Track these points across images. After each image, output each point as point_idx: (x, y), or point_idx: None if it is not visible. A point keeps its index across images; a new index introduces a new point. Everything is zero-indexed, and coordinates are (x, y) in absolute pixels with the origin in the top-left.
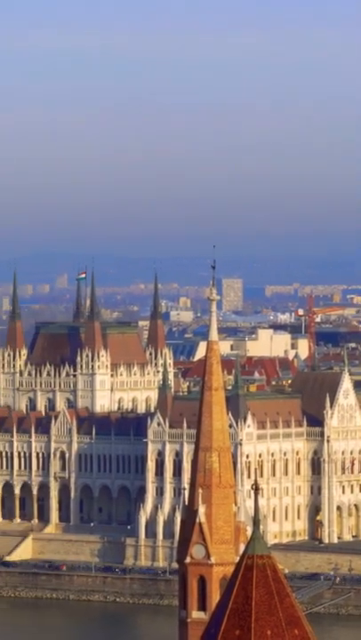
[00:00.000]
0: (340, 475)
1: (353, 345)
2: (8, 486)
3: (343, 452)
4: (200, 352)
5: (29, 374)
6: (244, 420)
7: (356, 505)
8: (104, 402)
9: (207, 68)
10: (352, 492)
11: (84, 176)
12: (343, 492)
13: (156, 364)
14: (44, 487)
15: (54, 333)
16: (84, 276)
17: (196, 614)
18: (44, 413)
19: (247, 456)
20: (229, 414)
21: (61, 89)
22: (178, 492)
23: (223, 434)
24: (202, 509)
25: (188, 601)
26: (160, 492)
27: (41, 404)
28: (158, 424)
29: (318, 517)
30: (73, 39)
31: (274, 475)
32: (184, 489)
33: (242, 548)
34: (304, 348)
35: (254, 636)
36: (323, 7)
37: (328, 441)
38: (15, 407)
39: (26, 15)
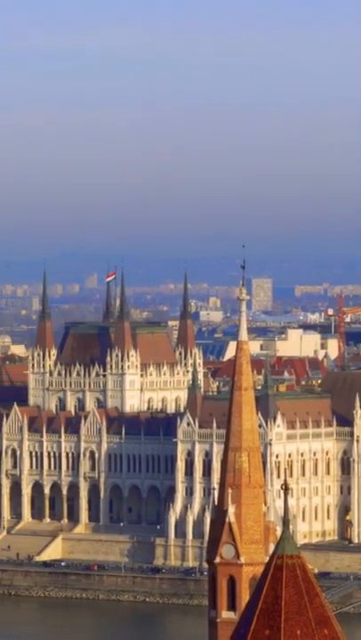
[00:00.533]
0: None
1: None
2: (38, 486)
3: None
4: (230, 352)
5: (59, 374)
6: (274, 419)
7: None
8: (134, 402)
9: (243, 68)
10: None
11: (114, 176)
12: None
13: (185, 364)
14: (73, 487)
15: (84, 333)
16: (112, 277)
17: (226, 614)
18: (73, 413)
19: (277, 456)
20: (259, 414)
21: (82, 88)
22: (207, 491)
23: (253, 434)
24: (231, 509)
25: (218, 601)
26: (190, 491)
27: (71, 404)
28: (188, 424)
29: (348, 517)
30: (92, 39)
31: (303, 475)
32: (214, 489)
33: (271, 547)
34: (334, 347)
35: (284, 636)
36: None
37: (358, 441)
38: (45, 407)
39: (26, 14)
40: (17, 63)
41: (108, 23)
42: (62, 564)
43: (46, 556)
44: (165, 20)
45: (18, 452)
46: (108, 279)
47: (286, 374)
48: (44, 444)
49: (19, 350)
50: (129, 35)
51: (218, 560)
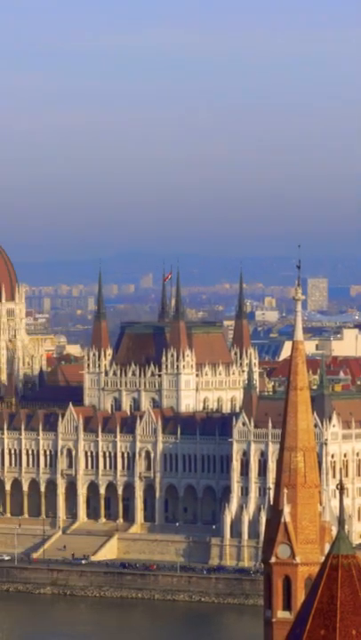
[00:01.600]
0: None
1: None
2: (93, 486)
3: None
4: (285, 352)
5: (114, 374)
6: (330, 419)
7: None
8: (189, 402)
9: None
10: None
11: (169, 175)
12: None
13: (241, 364)
14: (129, 487)
15: (139, 333)
16: (169, 277)
17: (282, 614)
18: (129, 413)
19: (332, 456)
20: (314, 414)
21: (146, 88)
22: (263, 491)
23: (308, 433)
24: (287, 509)
25: (274, 601)
26: (245, 491)
27: (126, 404)
28: (243, 424)
29: None
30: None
31: (359, 474)
32: (269, 489)
33: (327, 547)
34: None
35: (339, 636)
36: None
37: None
38: (100, 407)
39: (81, 14)
40: (74, 63)
41: (169, 22)
42: (83, 561)
43: (102, 555)
44: (223, 17)
45: (73, 452)
46: (166, 279)
47: (342, 374)
48: (100, 443)
49: (74, 350)
50: (187, 34)
51: (273, 560)
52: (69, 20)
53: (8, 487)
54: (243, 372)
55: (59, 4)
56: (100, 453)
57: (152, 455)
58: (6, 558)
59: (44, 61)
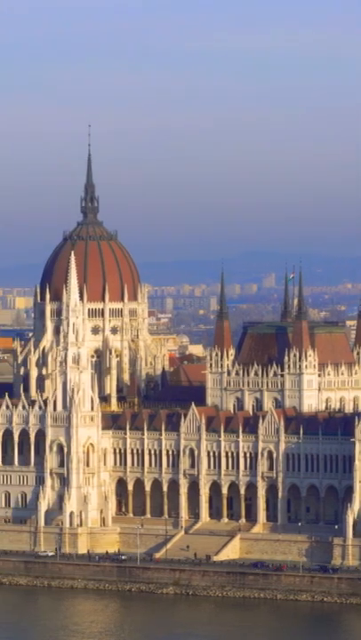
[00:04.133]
0: None
1: None
2: (216, 486)
3: None
4: None
5: (237, 374)
6: None
7: None
8: (311, 401)
9: None
10: None
11: (291, 175)
12: None
13: None
14: (251, 487)
15: (262, 333)
16: (292, 276)
17: None
18: (251, 413)
19: None
20: None
21: (266, 88)
22: None
23: None
24: None
25: None
26: None
27: (248, 404)
28: None
29: None
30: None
31: None
32: None
33: None
34: None
35: None
36: None
37: None
38: (223, 407)
39: (223, 15)
40: (214, 63)
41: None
42: (122, 557)
43: (224, 555)
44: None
45: (196, 452)
46: (290, 278)
47: None
48: (222, 443)
49: (197, 350)
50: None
51: None
52: (192, 21)
53: (130, 487)
54: None
55: (182, 5)
56: (223, 453)
57: (274, 455)
58: (123, 557)
59: (171, 62)
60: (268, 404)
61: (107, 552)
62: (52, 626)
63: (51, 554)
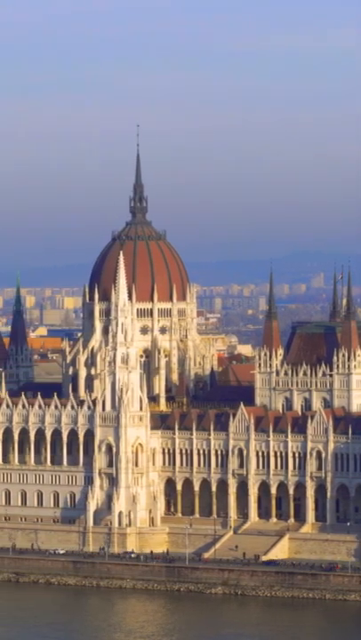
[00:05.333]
0: None
1: None
2: (264, 486)
3: None
4: None
5: (286, 374)
6: None
7: None
8: (360, 401)
9: None
10: None
11: (341, 175)
12: None
13: None
14: (300, 487)
15: (310, 333)
16: (341, 276)
17: None
18: (300, 413)
19: None
20: None
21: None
22: None
23: None
24: None
25: None
26: None
27: (297, 404)
28: None
29: None
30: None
31: None
32: None
33: None
34: None
35: None
36: None
37: None
38: (271, 407)
39: (268, 15)
40: (262, 63)
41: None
42: (133, 554)
43: (273, 555)
44: None
45: (244, 452)
46: (340, 278)
47: None
48: (271, 443)
49: (245, 350)
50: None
51: None
52: (239, 21)
53: (179, 487)
54: None
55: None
56: (272, 453)
57: (323, 455)
58: (133, 555)
59: (219, 62)
60: (316, 403)
61: (151, 552)
62: (104, 626)
63: (62, 552)
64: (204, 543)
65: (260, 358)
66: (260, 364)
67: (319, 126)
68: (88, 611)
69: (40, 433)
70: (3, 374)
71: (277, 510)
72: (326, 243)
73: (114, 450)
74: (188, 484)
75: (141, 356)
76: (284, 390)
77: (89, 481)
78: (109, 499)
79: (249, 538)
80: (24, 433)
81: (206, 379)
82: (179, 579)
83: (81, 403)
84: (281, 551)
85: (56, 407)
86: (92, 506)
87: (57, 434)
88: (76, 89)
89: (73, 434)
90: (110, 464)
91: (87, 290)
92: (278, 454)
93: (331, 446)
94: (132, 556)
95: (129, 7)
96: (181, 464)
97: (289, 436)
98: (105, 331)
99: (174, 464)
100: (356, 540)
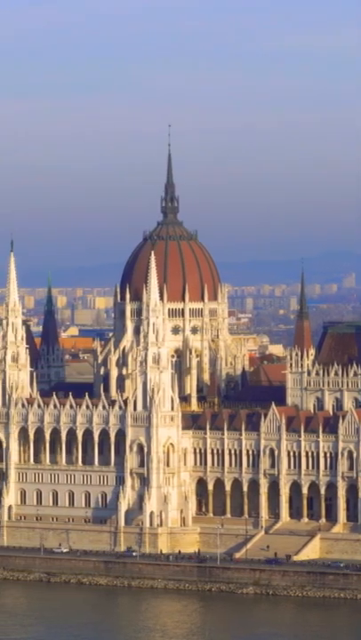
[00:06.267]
0: None
1: None
2: (296, 486)
3: None
4: None
5: (317, 374)
6: None
7: None
8: None
9: None
10: None
11: None
12: None
13: None
14: (331, 487)
15: (342, 333)
16: None
17: None
18: (331, 413)
19: None
20: None
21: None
22: None
23: None
24: None
25: None
26: None
27: (328, 404)
28: None
29: None
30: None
31: None
32: None
33: None
34: None
35: None
36: None
37: None
38: (303, 407)
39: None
40: (296, 63)
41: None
42: (135, 553)
43: (304, 555)
44: None
45: (276, 452)
46: None
47: None
48: (302, 443)
49: (277, 350)
50: None
51: None
52: (272, 21)
53: (211, 487)
54: None
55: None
56: (303, 453)
57: (355, 455)
58: (134, 554)
59: (251, 62)
60: (348, 403)
61: (179, 551)
62: (141, 627)
63: (65, 550)
64: (236, 543)
65: (291, 358)
66: (291, 364)
67: (351, 126)
68: (121, 611)
69: (71, 433)
70: (34, 374)
71: (309, 510)
72: (358, 243)
73: (145, 450)
74: (219, 483)
75: (173, 356)
76: (316, 390)
77: (120, 481)
78: (141, 499)
79: (280, 538)
80: (55, 433)
81: (238, 379)
82: (210, 579)
83: (112, 403)
84: (312, 551)
85: (87, 407)
86: (123, 506)
87: (88, 434)
88: (107, 89)
89: (104, 434)
90: (142, 464)
91: (119, 290)
92: (310, 454)
93: None
94: (134, 554)
95: (160, 7)
96: (213, 464)
97: (320, 435)
98: (136, 331)
99: (206, 464)
100: None
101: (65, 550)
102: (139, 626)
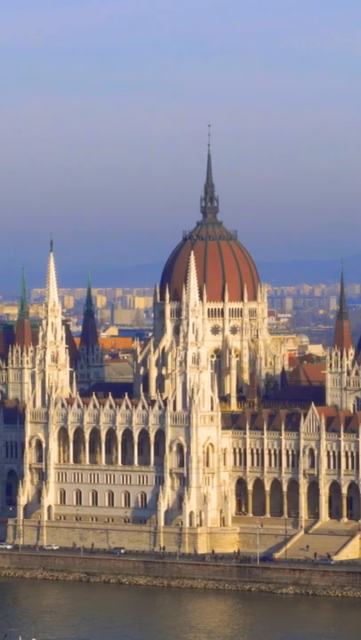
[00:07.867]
0: None
1: None
2: (335, 486)
3: None
4: None
5: (357, 374)
6: None
7: None
8: None
9: None
10: None
11: None
12: None
13: None
14: None
15: None
16: None
17: None
18: None
19: None
20: None
21: None
22: None
23: None
24: None
25: None
26: None
27: None
28: None
29: None
30: None
31: None
32: None
33: None
34: None
35: None
36: None
37: None
38: (342, 407)
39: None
40: (335, 64)
41: None
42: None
43: (344, 555)
44: None
45: (315, 452)
46: None
47: None
48: (342, 443)
49: (316, 350)
50: None
51: None
52: (314, 22)
53: (250, 487)
54: None
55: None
56: (343, 453)
57: None
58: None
59: (290, 63)
60: None
61: (212, 551)
62: (184, 627)
63: (56, 547)
64: (275, 543)
65: (331, 358)
66: (331, 364)
67: None
68: (163, 611)
69: (111, 433)
70: (74, 374)
71: (348, 510)
72: None
73: (185, 450)
74: (259, 483)
75: (212, 356)
76: (356, 390)
77: (160, 481)
78: (180, 499)
79: (320, 538)
80: (95, 433)
81: (277, 379)
82: (250, 578)
83: (152, 403)
84: (352, 551)
85: (127, 407)
86: (162, 506)
87: (128, 434)
88: (148, 90)
89: (144, 434)
90: (181, 464)
91: (158, 290)
92: (349, 454)
93: None
94: (122, 551)
95: (200, 7)
96: (252, 464)
97: (360, 436)
98: (176, 330)
99: (245, 464)
100: None
101: (9, 547)
102: (184, 626)
